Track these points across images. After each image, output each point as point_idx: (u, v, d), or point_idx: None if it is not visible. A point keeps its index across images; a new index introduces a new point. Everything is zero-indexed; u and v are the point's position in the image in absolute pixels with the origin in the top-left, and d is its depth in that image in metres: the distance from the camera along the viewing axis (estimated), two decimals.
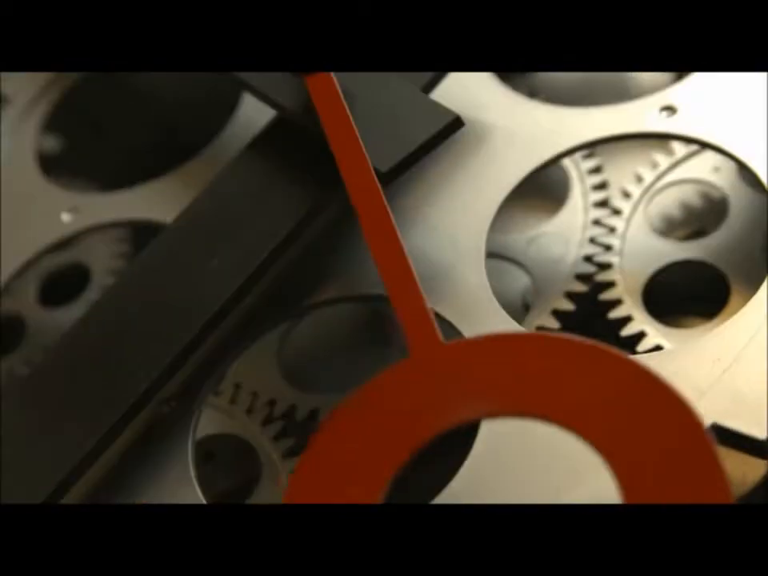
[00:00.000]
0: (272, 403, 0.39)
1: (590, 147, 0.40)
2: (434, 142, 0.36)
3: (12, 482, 0.34)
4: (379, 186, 0.34)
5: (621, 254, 0.39)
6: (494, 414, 0.30)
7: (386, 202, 0.34)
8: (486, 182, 0.38)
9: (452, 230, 0.38)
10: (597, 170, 0.41)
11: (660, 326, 0.38)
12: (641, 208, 0.40)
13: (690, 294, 0.39)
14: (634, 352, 0.37)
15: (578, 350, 0.30)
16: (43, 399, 0.36)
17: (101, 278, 0.44)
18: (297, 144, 0.37)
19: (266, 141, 0.38)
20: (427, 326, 0.32)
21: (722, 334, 0.33)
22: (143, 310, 0.36)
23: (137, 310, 0.36)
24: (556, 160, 0.38)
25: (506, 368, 0.30)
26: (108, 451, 0.35)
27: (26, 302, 0.45)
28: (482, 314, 0.36)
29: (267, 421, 0.39)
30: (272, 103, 0.38)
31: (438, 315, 0.36)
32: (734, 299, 0.38)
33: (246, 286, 0.36)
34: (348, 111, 0.35)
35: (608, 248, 0.40)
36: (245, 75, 0.38)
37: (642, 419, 0.29)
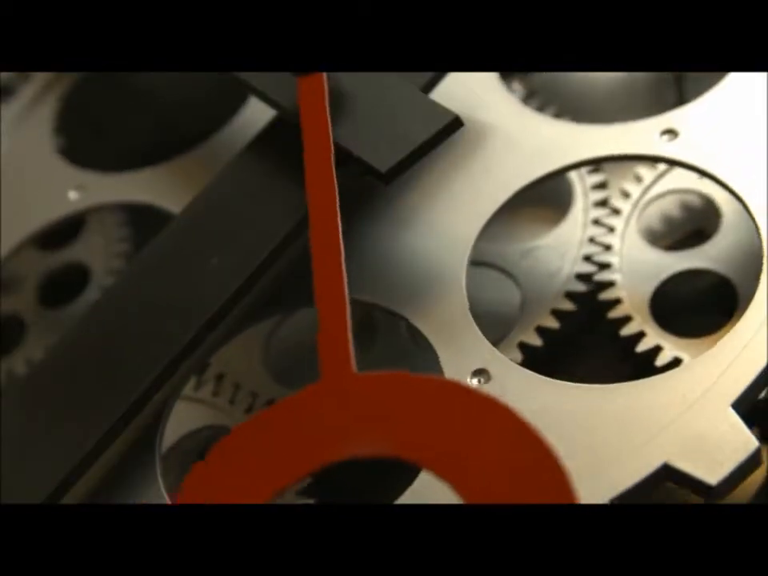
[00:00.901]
0: (254, 395, 0.39)
1: (587, 166, 0.39)
2: (434, 142, 0.36)
3: (12, 481, 0.34)
4: (337, 199, 0.34)
5: (622, 270, 0.39)
6: (369, 454, 0.30)
7: (338, 216, 0.33)
8: (481, 190, 0.38)
9: (440, 238, 0.37)
10: (601, 185, 0.41)
11: (674, 338, 0.38)
12: (633, 223, 0.40)
13: (700, 303, 0.39)
14: (653, 367, 0.37)
15: (473, 400, 0.30)
16: (43, 399, 0.36)
17: (101, 278, 0.44)
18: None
19: (266, 141, 0.38)
20: (343, 353, 0.31)
21: (693, 368, 0.33)
22: (143, 310, 0.36)
23: (137, 309, 0.36)
24: (552, 176, 0.38)
25: (394, 409, 0.30)
26: (108, 451, 0.35)
27: (25, 302, 0.45)
28: (455, 329, 0.35)
29: (249, 410, 0.39)
30: (272, 103, 0.38)
31: (413, 327, 0.36)
32: (742, 303, 0.38)
33: (245, 286, 0.36)
34: (329, 115, 0.35)
35: (606, 266, 0.39)
36: (245, 75, 0.38)
37: (504, 462, 0.29)
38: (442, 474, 0.29)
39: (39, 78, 0.47)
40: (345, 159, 0.36)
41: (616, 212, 0.40)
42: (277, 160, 0.37)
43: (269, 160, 0.38)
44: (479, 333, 0.35)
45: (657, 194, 0.41)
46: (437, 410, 0.30)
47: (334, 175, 0.34)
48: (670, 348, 0.37)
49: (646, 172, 0.41)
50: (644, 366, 0.37)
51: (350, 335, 0.31)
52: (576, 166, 0.38)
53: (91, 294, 0.44)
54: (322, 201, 0.34)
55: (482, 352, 0.35)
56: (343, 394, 0.31)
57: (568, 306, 0.39)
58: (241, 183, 0.38)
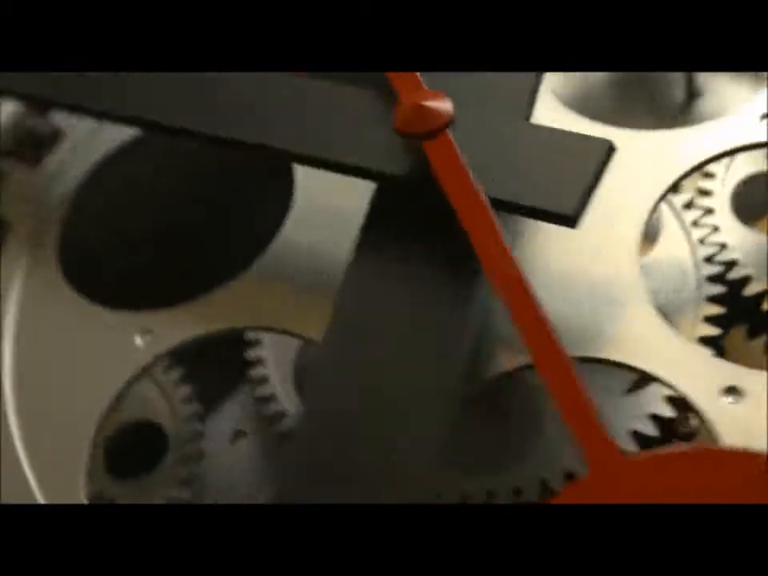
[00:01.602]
0: None
1: (706, 165, 0.37)
2: (602, 172, 0.33)
3: None
4: (514, 258, 0.31)
5: (751, 264, 0.38)
6: None
7: (523, 275, 0.31)
8: (620, 214, 0.36)
9: (600, 268, 0.35)
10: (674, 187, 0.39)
11: None
12: (729, 216, 0.39)
13: None
14: None
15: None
16: None
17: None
18: (419, 208, 0.34)
19: (385, 217, 0.34)
20: (604, 440, 0.29)
21: None
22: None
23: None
24: (678, 182, 0.36)
25: (674, 492, 0.28)
26: None
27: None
28: (678, 355, 0.33)
29: None
30: (373, 175, 0.34)
31: (608, 362, 0.33)
32: None
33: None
34: (469, 173, 0.32)
35: (732, 264, 0.38)
36: (336, 154, 0.34)
37: None
38: None
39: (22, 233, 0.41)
40: (508, 211, 0.33)
41: (709, 211, 0.39)
42: (410, 232, 0.34)
43: (402, 241, 0.34)
44: (706, 352, 0.33)
45: (735, 183, 0.40)
46: (719, 485, 0.28)
47: (501, 233, 0.31)
48: None
49: (713, 167, 0.40)
50: None
51: (600, 418, 0.29)
52: (697, 168, 0.36)
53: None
54: (501, 264, 0.31)
55: (719, 369, 0.33)
56: (617, 482, 0.29)
57: (717, 309, 0.38)
58: (384, 273, 0.34)
